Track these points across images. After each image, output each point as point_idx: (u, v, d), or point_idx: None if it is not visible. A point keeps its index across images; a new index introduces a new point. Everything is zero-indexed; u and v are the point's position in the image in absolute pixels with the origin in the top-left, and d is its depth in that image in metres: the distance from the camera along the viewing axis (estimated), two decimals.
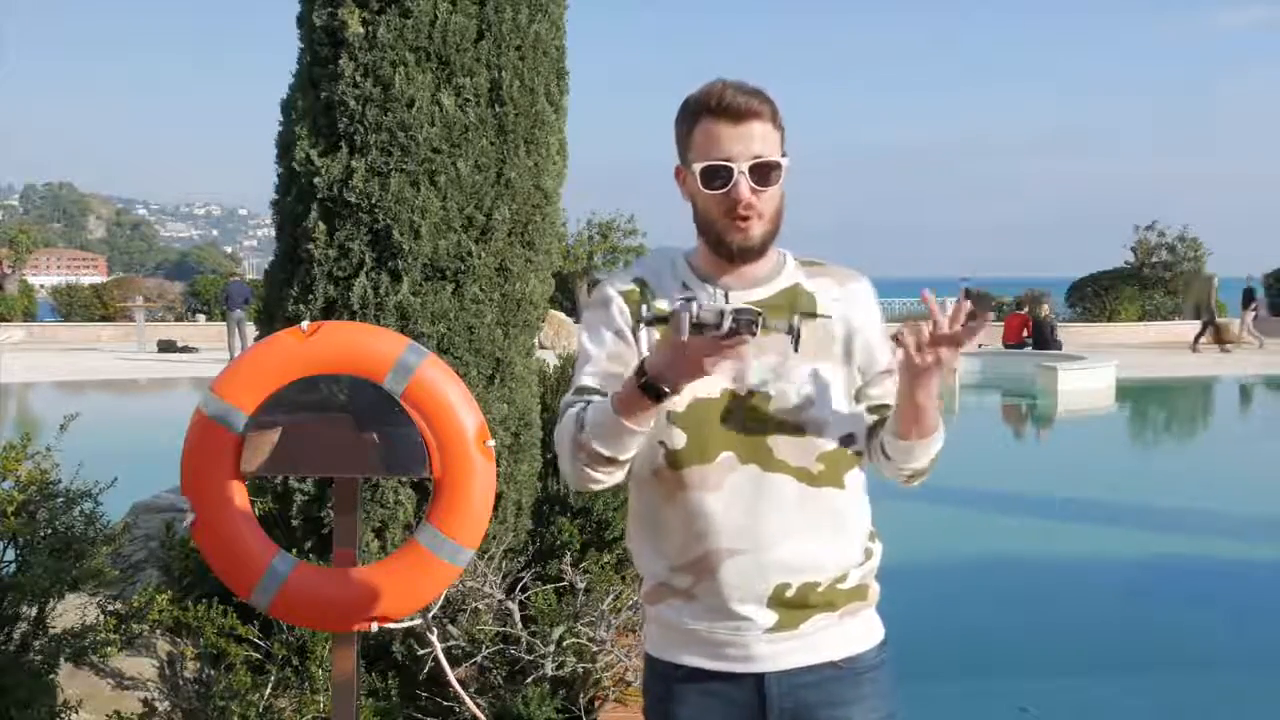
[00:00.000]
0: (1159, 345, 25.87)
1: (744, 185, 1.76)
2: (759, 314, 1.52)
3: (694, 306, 1.52)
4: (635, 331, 1.85)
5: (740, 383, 1.80)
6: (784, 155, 1.82)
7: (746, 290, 1.84)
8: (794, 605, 1.79)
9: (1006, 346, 21.17)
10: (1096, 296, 31.07)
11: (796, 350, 1.71)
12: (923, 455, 1.82)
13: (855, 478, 1.86)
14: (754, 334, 1.52)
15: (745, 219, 1.78)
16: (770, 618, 1.79)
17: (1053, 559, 7.39)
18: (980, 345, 22.35)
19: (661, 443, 1.81)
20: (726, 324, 1.51)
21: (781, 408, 1.79)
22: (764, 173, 1.77)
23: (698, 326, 1.52)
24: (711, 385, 1.79)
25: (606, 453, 1.73)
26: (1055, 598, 6.56)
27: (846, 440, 1.82)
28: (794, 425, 1.79)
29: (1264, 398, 19.11)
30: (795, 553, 1.79)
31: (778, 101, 1.82)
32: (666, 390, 1.62)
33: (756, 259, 1.84)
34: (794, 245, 1.91)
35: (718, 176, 1.77)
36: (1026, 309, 22.65)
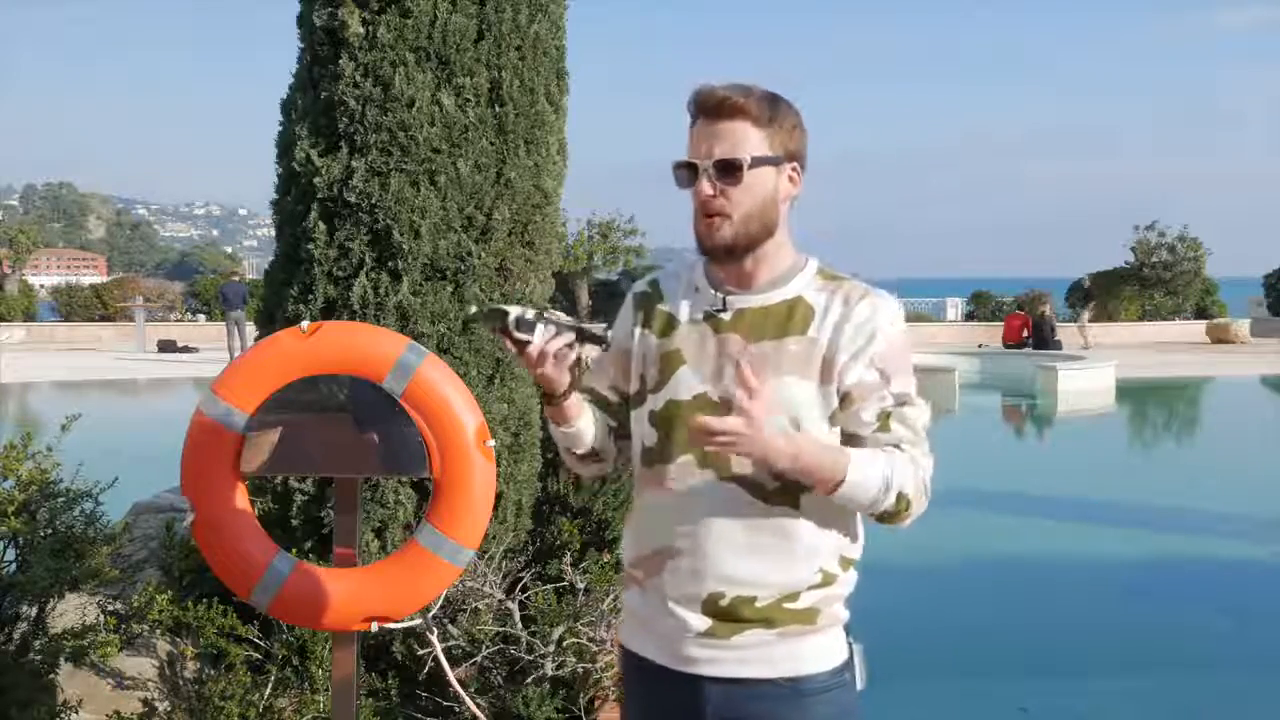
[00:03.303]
0: (1156, 345, 25.88)
1: (704, 183, 1.74)
2: (538, 314, 1.72)
3: (510, 320, 1.72)
4: (643, 329, 1.88)
5: (715, 389, 1.79)
6: (781, 157, 1.76)
7: (744, 296, 1.81)
8: (726, 617, 1.77)
9: (1006, 346, 21.17)
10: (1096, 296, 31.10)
11: (606, 348, 1.83)
12: (847, 504, 1.73)
13: (817, 501, 1.75)
14: (524, 337, 1.71)
15: (712, 217, 1.75)
16: (703, 623, 1.78)
17: (1053, 559, 7.39)
18: (980, 345, 22.37)
19: (642, 440, 1.86)
20: (526, 332, 1.72)
21: None
22: (725, 170, 1.73)
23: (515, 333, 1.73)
24: (686, 388, 1.80)
25: (562, 446, 1.93)
26: (1055, 598, 6.56)
27: None
28: None
29: (1264, 398, 19.12)
30: (733, 565, 1.76)
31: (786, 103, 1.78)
32: (554, 393, 1.80)
33: (730, 260, 1.78)
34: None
35: (683, 175, 1.77)
36: (1026, 309, 22.66)
